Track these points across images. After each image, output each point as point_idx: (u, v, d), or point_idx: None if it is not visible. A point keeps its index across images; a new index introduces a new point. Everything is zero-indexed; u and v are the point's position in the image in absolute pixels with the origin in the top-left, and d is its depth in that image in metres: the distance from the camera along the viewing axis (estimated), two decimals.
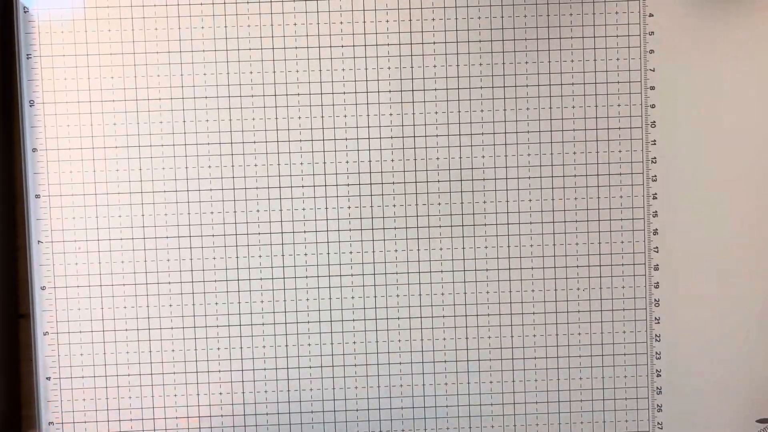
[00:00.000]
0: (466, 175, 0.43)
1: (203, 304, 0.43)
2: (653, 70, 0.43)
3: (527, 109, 0.43)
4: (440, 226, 0.43)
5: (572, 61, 0.43)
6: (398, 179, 0.43)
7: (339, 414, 0.44)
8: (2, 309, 0.43)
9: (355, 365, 0.44)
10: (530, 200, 0.43)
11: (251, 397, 0.44)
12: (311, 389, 0.44)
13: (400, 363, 0.44)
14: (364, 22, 0.43)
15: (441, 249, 0.43)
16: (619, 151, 0.43)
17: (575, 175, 0.43)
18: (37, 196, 0.43)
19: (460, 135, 0.43)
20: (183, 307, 0.43)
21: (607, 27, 0.43)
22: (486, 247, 0.43)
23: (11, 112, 0.44)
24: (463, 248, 0.43)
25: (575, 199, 0.44)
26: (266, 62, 0.43)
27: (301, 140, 0.43)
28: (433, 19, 0.43)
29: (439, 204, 0.43)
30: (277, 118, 0.43)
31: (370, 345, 0.44)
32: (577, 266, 0.44)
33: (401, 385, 0.44)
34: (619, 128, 0.43)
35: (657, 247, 0.44)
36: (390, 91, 0.43)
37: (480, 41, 0.43)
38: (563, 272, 0.44)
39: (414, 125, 0.43)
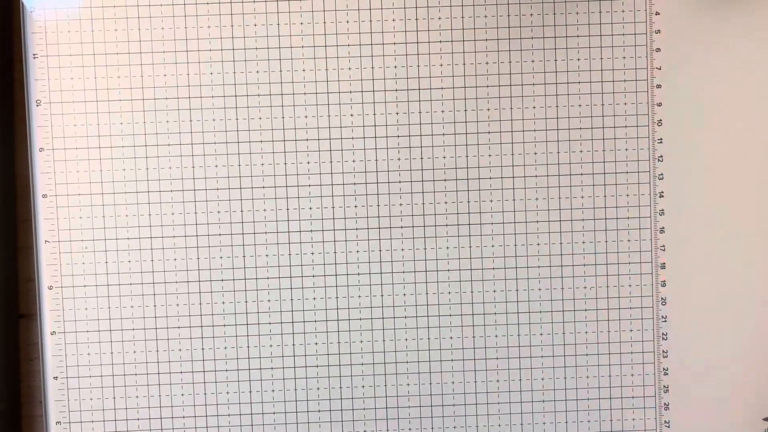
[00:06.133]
0: (473, 173, 0.43)
1: (209, 303, 0.43)
2: (660, 69, 0.43)
3: (534, 107, 0.43)
4: (447, 225, 0.43)
5: (578, 59, 0.43)
6: (405, 178, 0.43)
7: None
8: (2, 309, 0.43)
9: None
10: (536, 198, 0.43)
11: (258, 396, 0.44)
12: (318, 388, 0.44)
13: (407, 362, 0.44)
14: (370, 21, 0.43)
15: (447, 248, 0.43)
16: (626, 150, 0.43)
17: (582, 174, 0.43)
18: (44, 196, 0.43)
19: (466, 134, 0.43)
20: (189, 307, 0.43)
21: (613, 25, 0.43)
22: (492, 246, 0.43)
23: (13, 113, 0.44)
24: (470, 247, 0.43)
25: (582, 197, 0.43)
26: (272, 61, 0.43)
27: (307, 139, 0.43)
28: (439, 18, 0.43)
29: (446, 203, 0.43)
30: (283, 117, 0.43)
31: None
32: (584, 264, 0.44)
33: (408, 384, 0.44)
34: (626, 126, 0.43)
35: (664, 246, 0.44)
36: (396, 90, 0.43)
37: (486, 40, 0.43)
38: (570, 270, 0.44)
39: (420, 124, 0.43)
